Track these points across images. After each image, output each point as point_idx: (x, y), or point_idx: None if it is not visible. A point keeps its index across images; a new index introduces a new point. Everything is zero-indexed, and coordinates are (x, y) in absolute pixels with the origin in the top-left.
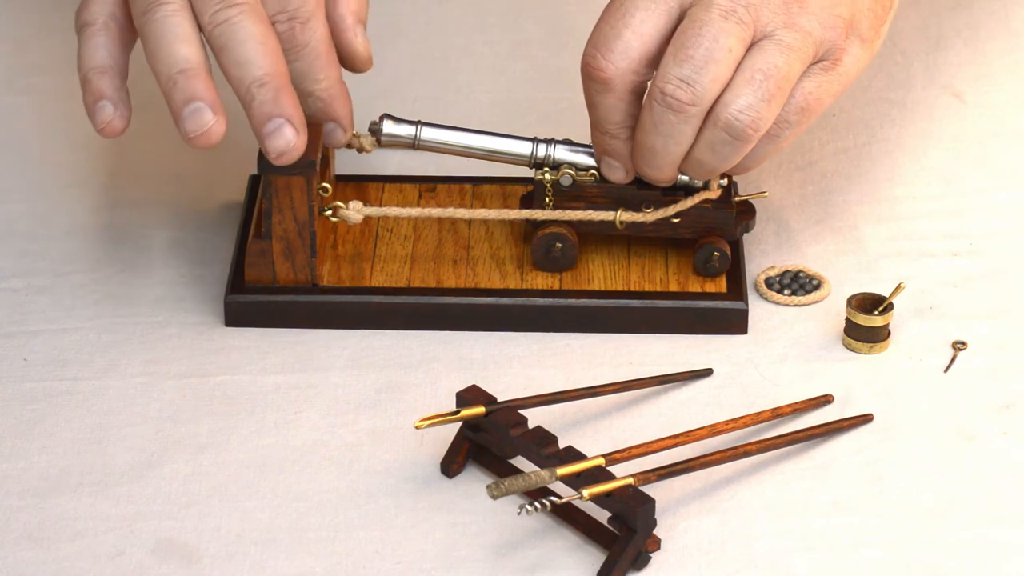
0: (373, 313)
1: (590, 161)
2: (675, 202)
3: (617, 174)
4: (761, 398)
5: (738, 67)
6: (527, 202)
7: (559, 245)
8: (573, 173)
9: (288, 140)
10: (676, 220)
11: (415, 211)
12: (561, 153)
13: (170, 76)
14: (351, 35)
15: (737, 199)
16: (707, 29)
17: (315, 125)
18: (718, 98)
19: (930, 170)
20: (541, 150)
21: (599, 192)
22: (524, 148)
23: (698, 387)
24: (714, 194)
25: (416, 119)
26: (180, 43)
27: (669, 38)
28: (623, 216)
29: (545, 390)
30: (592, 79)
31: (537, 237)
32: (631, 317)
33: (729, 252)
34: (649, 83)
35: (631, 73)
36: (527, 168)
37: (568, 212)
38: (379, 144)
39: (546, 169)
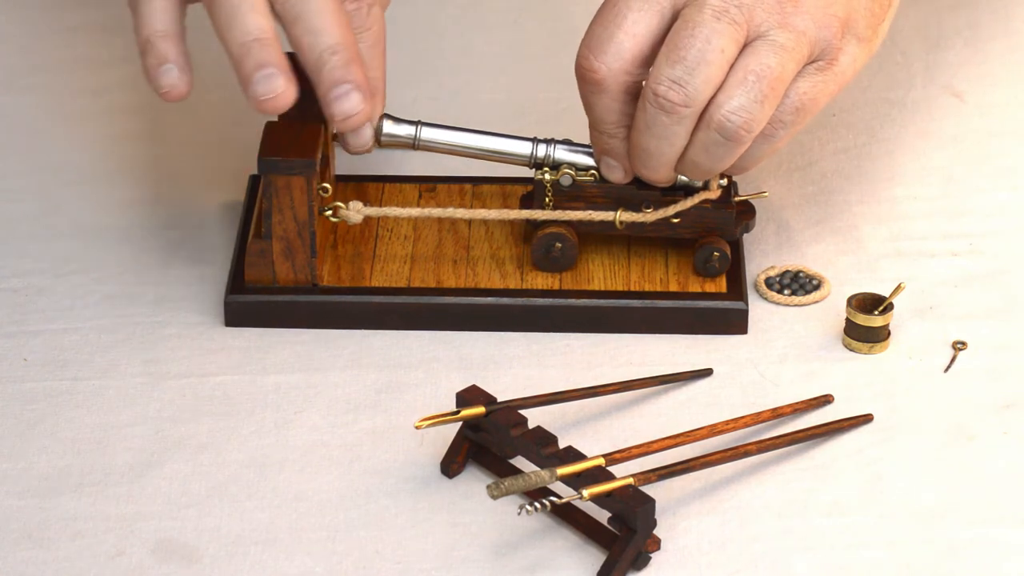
0: (373, 313)
1: (590, 161)
2: (675, 202)
3: (616, 174)
4: (761, 398)
5: (731, 68)
6: (527, 202)
7: (559, 245)
8: (573, 173)
9: (355, 105)
10: (676, 220)
11: (415, 211)
12: (561, 153)
13: (244, 43)
14: None
15: (737, 199)
16: (700, 30)
17: (316, 125)
18: (711, 99)
19: (930, 170)
20: (541, 150)
21: (599, 192)
22: (524, 148)
23: (698, 387)
24: (714, 194)
25: (416, 119)
26: (254, 13)
27: (662, 39)
28: (623, 216)
29: (545, 390)
30: (585, 80)
31: (537, 237)
32: (631, 317)
33: (729, 252)
34: (643, 83)
35: (624, 74)
36: (527, 168)
37: (568, 212)
38: (379, 144)
39: (546, 169)
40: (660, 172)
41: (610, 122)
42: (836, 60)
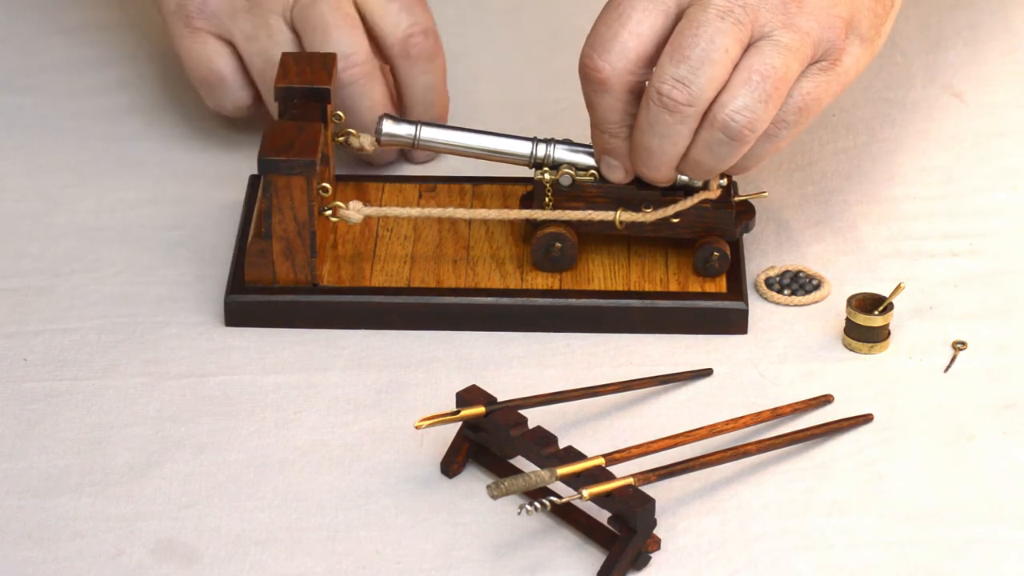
0: (373, 313)
1: (590, 161)
2: (675, 202)
3: (617, 174)
4: (761, 398)
5: (735, 68)
6: (527, 202)
7: (559, 245)
8: (573, 173)
9: None
10: (676, 220)
11: (415, 211)
12: (561, 153)
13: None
14: None
15: (737, 199)
16: (704, 29)
17: (316, 125)
18: (715, 99)
19: (930, 170)
20: (541, 150)
21: (599, 192)
22: (524, 148)
23: (698, 387)
24: (714, 194)
25: (416, 119)
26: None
27: (666, 38)
28: (623, 216)
29: (545, 390)
30: (589, 80)
31: (537, 237)
32: (631, 317)
33: (729, 252)
34: (646, 83)
35: (628, 74)
36: (527, 168)
37: (568, 212)
38: (379, 144)
39: (546, 169)
40: (662, 171)
41: (613, 122)
42: (839, 60)
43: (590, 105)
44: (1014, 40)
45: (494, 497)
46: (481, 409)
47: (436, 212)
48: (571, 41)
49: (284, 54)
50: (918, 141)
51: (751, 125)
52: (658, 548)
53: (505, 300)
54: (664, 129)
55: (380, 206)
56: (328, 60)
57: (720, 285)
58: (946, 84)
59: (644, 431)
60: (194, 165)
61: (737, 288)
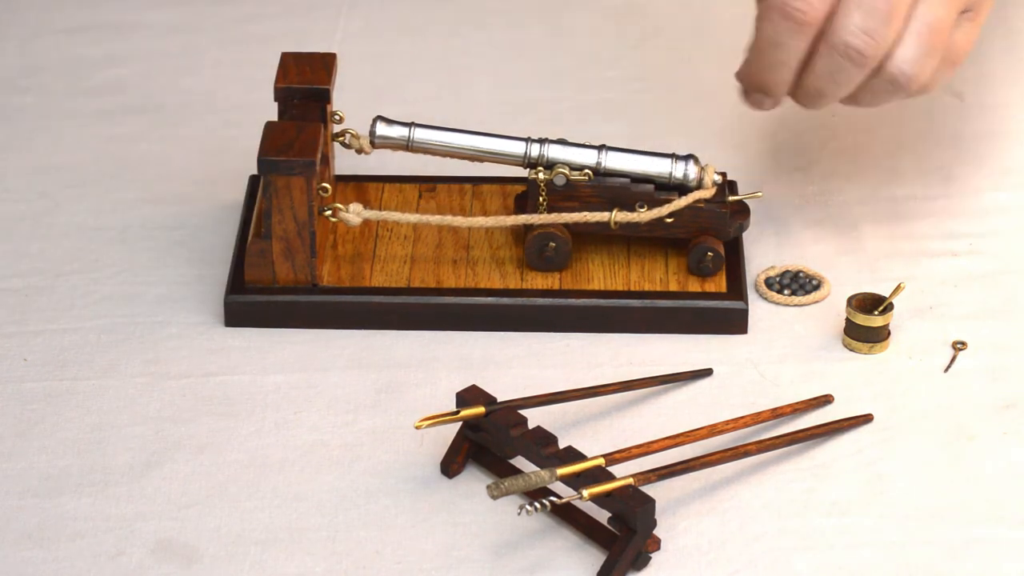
0: (373, 313)
1: (583, 160)
2: (669, 202)
3: (765, 106)
4: (761, 398)
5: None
6: (521, 201)
7: (552, 244)
8: (567, 172)
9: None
10: (670, 220)
11: (413, 217)
12: (555, 152)
13: None
14: None
15: (731, 199)
16: None
17: (316, 125)
18: None
19: (930, 170)
20: (535, 149)
21: (592, 191)
22: (517, 148)
23: (698, 387)
24: (708, 193)
25: (410, 120)
26: None
27: None
28: (618, 217)
29: (545, 390)
30: (794, 20)
31: (530, 237)
32: (631, 317)
33: (723, 252)
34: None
35: (824, 18)
36: (522, 168)
37: (564, 215)
38: (373, 146)
39: (540, 168)
40: (822, 108)
41: (792, 64)
42: (981, 12)
43: (777, 45)
44: (1014, 40)
45: (494, 497)
46: (481, 409)
47: (435, 220)
48: (571, 41)
49: (284, 54)
50: (918, 141)
51: (917, 78)
52: (658, 548)
53: (505, 300)
54: (844, 77)
55: (379, 209)
56: (328, 60)
57: (720, 285)
58: (946, 84)
59: (644, 431)
60: (194, 165)
61: (737, 288)
